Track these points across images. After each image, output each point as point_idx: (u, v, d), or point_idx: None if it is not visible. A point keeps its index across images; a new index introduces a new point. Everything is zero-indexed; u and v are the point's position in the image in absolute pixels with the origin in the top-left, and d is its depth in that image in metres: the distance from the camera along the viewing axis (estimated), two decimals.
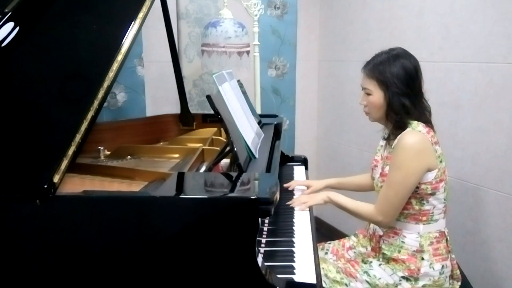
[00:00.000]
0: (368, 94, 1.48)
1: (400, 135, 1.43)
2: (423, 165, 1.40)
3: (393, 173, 1.43)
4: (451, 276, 1.51)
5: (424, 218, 1.47)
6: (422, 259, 1.45)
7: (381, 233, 1.55)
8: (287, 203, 1.61)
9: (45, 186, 0.98)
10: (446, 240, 1.51)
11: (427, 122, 1.47)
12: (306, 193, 1.75)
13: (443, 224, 1.52)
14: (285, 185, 1.79)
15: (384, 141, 1.59)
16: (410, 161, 1.39)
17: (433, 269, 1.45)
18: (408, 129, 1.43)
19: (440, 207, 1.48)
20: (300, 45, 2.97)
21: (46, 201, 0.99)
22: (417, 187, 1.43)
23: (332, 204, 1.58)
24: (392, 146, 1.47)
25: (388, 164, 1.48)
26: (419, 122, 1.45)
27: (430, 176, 1.42)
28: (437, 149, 1.45)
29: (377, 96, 1.46)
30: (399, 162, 1.41)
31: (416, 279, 1.44)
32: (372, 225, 1.64)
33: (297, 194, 1.78)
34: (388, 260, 1.50)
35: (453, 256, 1.52)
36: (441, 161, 1.45)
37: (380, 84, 1.44)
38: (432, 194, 1.44)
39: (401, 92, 1.42)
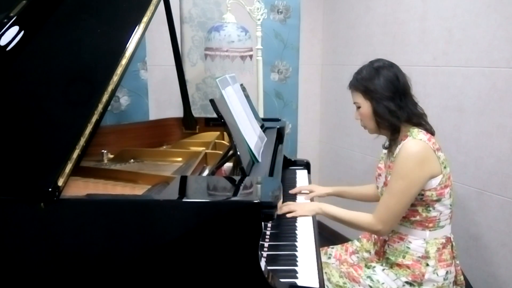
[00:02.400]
0: (359, 108, 1.53)
1: (401, 144, 1.44)
2: (426, 173, 1.41)
3: (395, 182, 1.43)
4: (455, 282, 1.51)
5: (431, 225, 1.46)
6: (427, 265, 1.44)
7: (386, 237, 1.55)
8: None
9: (50, 189, 0.99)
10: (452, 245, 1.50)
11: (420, 125, 1.49)
12: (307, 197, 1.78)
13: (449, 230, 1.51)
14: (290, 191, 1.80)
15: (386, 150, 1.60)
16: (413, 170, 1.39)
17: (437, 275, 1.44)
18: (409, 138, 1.44)
19: (446, 213, 1.48)
20: (303, 49, 2.98)
21: (51, 204, 1.00)
22: (422, 194, 1.43)
23: (324, 216, 1.56)
24: (394, 155, 1.47)
25: (391, 173, 1.48)
26: (420, 130, 1.46)
27: (435, 182, 1.42)
28: (440, 155, 1.45)
29: (365, 107, 1.50)
30: (401, 171, 1.41)
31: (420, 285, 1.44)
32: None
33: (299, 198, 1.79)
34: (391, 265, 1.50)
35: (458, 262, 1.52)
36: (445, 167, 1.45)
37: (364, 94, 1.49)
38: (438, 200, 1.44)
39: (383, 96, 1.46)
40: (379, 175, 1.60)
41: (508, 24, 1.80)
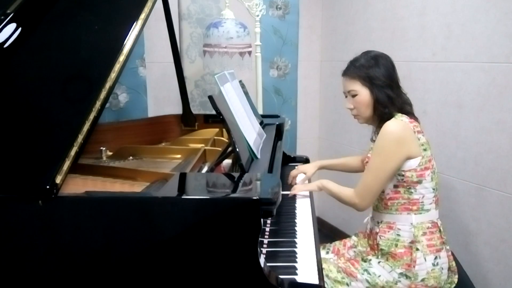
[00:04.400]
0: (354, 96, 1.55)
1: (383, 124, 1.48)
2: (403, 152, 1.45)
3: (373, 159, 1.49)
4: (449, 268, 1.52)
5: (415, 208, 1.49)
6: (417, 249, 1.46)
7: (377, 230, 1.57)
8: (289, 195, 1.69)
9: (48, 186, 0.99)
10: (440, 231, 1.52)
11: (410, 113, 1.54)
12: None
13: (436, 215, 1.53)
14: (290, 188, 1.81)
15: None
16: (389, 147, 1.45)
17: (425, 260, 1.46)
18: (391, 119, 1.49)
19: (429, 197, 1.50)
20: (302, 45, 2.97)
21: (49, 201, 1.00)
22: (402, 175, 1.47)
23: (323, 190, 1.66)
24: None
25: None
26: (403, 114, 1.51)
27: (414, 163, 1.46)
28: (420, 137, 1.49)
29: (364, 94, 1.52)
30: (379, 148, 1.47)
31: (415, 275, 1.45)
32: (369, 224, 1.66)
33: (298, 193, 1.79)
34: (386, 257, 1.51)
35: (448, 247, 1.53)
36: (425, 149, 1.49)
37: (363, 81, 1.52)
38: (419, 182, 1.48)
39: (384, 84, 1.50)
40: (367, 162, 1.63)
41: (507, 19, 1.79)
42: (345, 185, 1.61)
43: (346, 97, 1.60)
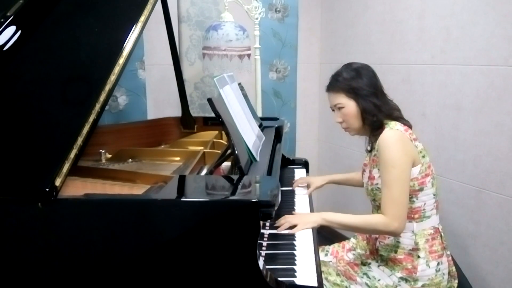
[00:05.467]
0: (341, 108, 1.53)
1: (380, 136, 1.46)
2: (410, 158, 1.44)
3: (388, 173, 1.42)
4: (448, 274, 1.52)
5: (417, 216, 1.48)
6: (418, 257, 1.45)
7: (376, 235, 1.56)
8: (275, 225, 1.44)
9: (47, 189, 0.99)
10: (441, 236, 1.51)
11: (399, 118, 1.53)
12: (307, 192, 1.81)
13: (437, 220, 1.53)
14: (292, 187, 1.84)
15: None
16: (400, 156, 1.42)
17: (429, 266, 1.45)
18: (386, 129, 1.47)
19: (430, 203, 1.49)
20: (301, 48, 2.98)
21: (48, 204, 1.00)
22: None
23: (328, 225, 1.49)
24: (376, 149, 1.49)
25: (375, 167, 1.50)
26: (397, 122, 1.50)
27: (415, 171, 1.45)
28: (418, 145, 1.49)
29: (350, 105, 1.51)
30: (390, 160, 1.42)
31: (415, 280, 1.45)
32: None
33: (297, 195, 1.80)
34: (386, 261, 1.51)
35: (448, 252, 1.53)
36: (423, 156, 1.48)
37: (348, 93, 1.51)
38: (420, 189, 1.47)
39: (368, 93, 1.50)
40: (364, 170, 1.63)
41: (506, 22, 1.80)
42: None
43: (333, 110, 1.59)
